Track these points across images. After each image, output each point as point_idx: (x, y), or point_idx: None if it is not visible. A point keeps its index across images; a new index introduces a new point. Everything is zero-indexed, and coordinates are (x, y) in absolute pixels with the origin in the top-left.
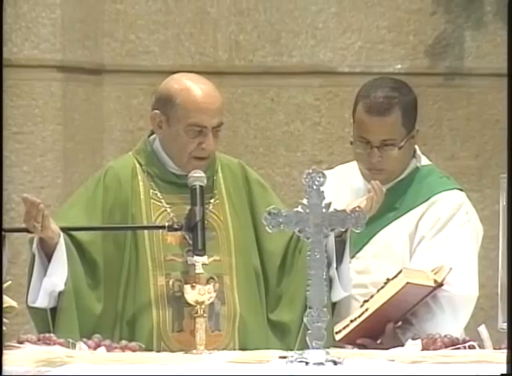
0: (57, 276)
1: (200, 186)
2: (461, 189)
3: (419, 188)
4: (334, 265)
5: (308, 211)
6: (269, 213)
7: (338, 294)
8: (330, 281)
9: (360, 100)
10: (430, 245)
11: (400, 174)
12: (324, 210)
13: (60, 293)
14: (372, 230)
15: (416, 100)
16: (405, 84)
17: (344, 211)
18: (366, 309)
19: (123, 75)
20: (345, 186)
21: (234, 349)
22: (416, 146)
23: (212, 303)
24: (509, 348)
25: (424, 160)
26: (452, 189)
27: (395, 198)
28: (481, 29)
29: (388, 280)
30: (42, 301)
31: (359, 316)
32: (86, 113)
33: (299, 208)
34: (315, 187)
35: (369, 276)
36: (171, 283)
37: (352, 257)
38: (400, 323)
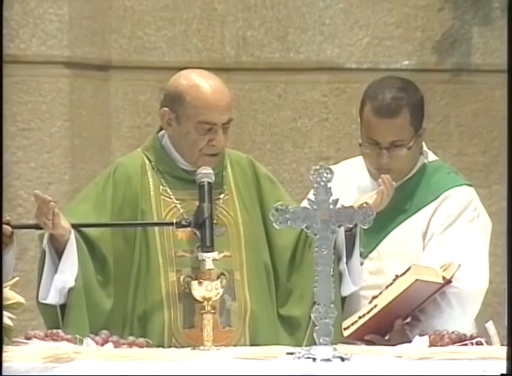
0: (67, 272)
1: (208, 183)
2: (470, 185)
3: (428, 185)
4: (344, 259)
5: (315, 207)
6: (276, 209)
7: (348, 289)
8: (340, 275)
9: (367, 102)
10: (439, 241)
11: (409, 172)
12: (331, 206)
13: (70, 289)
14: (384, 230)
15: (423, 98)
16: (412, 83)
17: (351, 207)
18: (375, 306)
19: (130, 71)
20: (351, 182)
21: (245, 345)
22: (423, 142)
23: (223, 299)
24: (509, 346)
25: (431, 156)
26: (462, 184)
27: (405, 197)
28: (489, 25)
29: (397, 276)
30: (53, 297)
31: (368, 313)
32: (93, 109)
33: (306, 204)
34: (322, 183)
35: (383, 276)
36: (182, 279)
37: (365, 257)
38: (408, 319)
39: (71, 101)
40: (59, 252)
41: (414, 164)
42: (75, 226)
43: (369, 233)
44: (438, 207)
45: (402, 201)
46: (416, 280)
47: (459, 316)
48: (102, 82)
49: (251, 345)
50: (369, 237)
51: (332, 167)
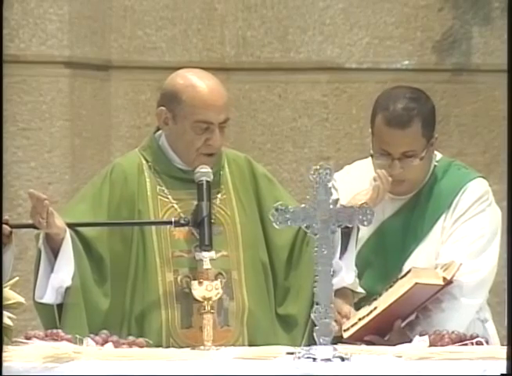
0: (64, 271)
1: (207, 181)
2: (482, 177)
3: (443, 188)
4: (338, 255)
5: (315, 207)
6: (276, 209)
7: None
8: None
9: (379, 112)
10: (449, 233)
11: (422, 181)
12: (331, 206)
13: (67, 289)
14: (408, 248)
15: (434, 108)
16: (423, 93)
17: (351, 207)
18: (375, 308)
19: (130, 71)
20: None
21: (243, 344)
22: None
23: (221, 298)
24: (509, 346)
25: (437, 155)
26: (475, 178)
27: (422, 206)
28: (489, 25)
29: (397, 279)
30: (50, 297)
31: (367, 315)
32: (93, 109)
33: (306, 204)
34: (322, 183)
35: None
36: (179, 279)
37: (395, 273)
38: (408, 320)
39: (71, 101)
40: (55, 251)
41: (427, 173)
42: (71, 225)
43: (396, 249)
44: (456, 206)
45: (421, 212)
46: (416, 283)
47: (464, 307)
48: (102, 82)
49: (249, 345)
50: (394, 257)
51: (348, 166)
